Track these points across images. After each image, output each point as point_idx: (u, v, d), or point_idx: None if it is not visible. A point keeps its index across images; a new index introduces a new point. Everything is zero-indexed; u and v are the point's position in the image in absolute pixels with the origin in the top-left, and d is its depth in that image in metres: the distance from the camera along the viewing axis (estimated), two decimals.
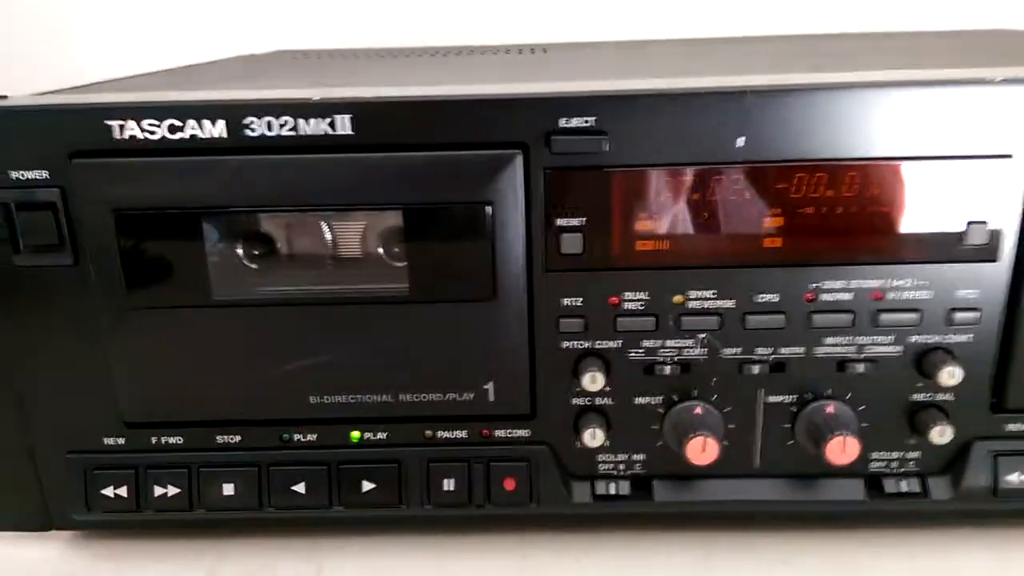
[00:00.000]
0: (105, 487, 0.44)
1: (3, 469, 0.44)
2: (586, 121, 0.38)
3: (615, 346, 0.42)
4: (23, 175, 0.39)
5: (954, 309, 0.41)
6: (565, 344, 0.42)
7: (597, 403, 0.43)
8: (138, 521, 0.45)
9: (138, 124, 0.38)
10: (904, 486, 0.44)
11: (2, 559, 0.46)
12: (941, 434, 0.42)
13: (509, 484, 0.44)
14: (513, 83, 0.41)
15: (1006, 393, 0.42)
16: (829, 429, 0.41)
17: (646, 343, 0.42)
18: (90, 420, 0.43)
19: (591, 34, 0.87)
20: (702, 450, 0.41)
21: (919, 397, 0.43)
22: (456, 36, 0.87)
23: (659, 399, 0.43)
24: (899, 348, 0.42)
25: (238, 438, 0.44)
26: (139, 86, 0.48)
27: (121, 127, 0.38)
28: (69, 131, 0.38)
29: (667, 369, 0.42)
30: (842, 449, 0.41)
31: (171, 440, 0.44)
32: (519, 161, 0.38)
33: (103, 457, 0.44)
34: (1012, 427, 0.43)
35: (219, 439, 0.44)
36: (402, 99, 0.38)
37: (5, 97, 0.42)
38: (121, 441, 0.44)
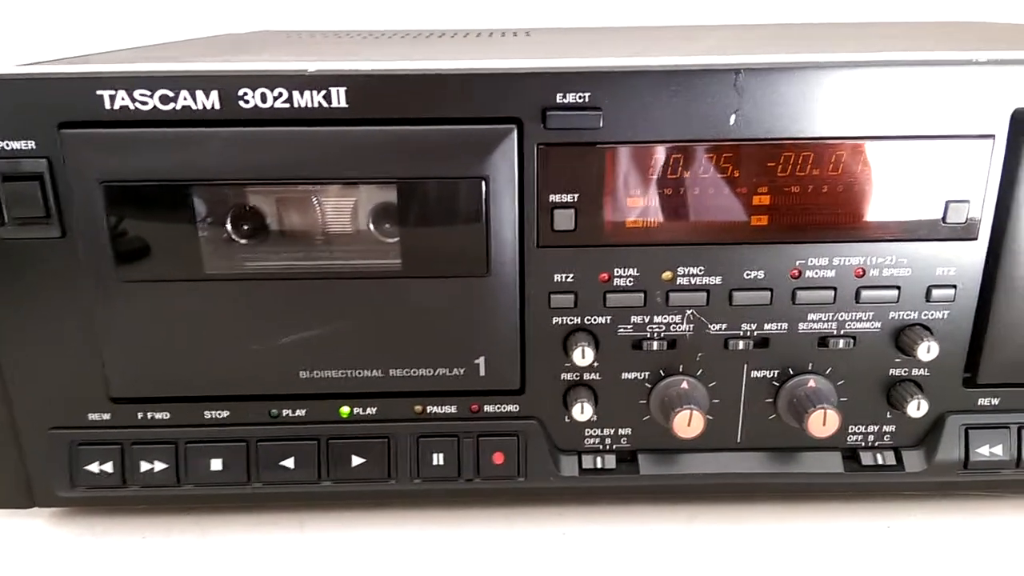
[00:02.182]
0: (90, 463, 0.44)
1: None
2: (581, 97, 0.38)
3: (604, 322, 0.42)
4: (8, 145, 0.38)
5: (932, 286, 0.42)
6: (555, 320, 0.42)
7: (585, 378, 0.44)
8: (123, 497, 0.45)
9: (129, 94, 0.37)
10: (880, 459, 0.46)
11: None
12: (917, 408, 0.43)
13: (498, 458, 0.44)
14: (507, 59, 0.41)
15: (979, 368, 0.44)
16: (811, 402, 0.42)
17: (635, 319, 0.42)
18: (74, 395, 0.43)
19: (572, 21, 0.87)
20: (688, 424, 0.42)
21: (896, 372, 0.44)
22: (434, 21, 0.87)
23: (646, 374, 0.44)
24: (878, 324, 0.43)
25: (226, 413, 0.44)
26: (125, 59, 0.47)
27: (112, 97, 0.37)
28: (58, 101, 0.37)
29: (655, 345, 0.43)
30: (823, 421, 0.42)
31: (158, 416, 0.43)
32: (514, 136, 0.39)
33: (88, 433, 0.43)
34: (983, 401, 0.45)
35: (207, 415, 0.43)
36: (398, 72, 0.38)
37: None
38: (106, 416, 0.43)
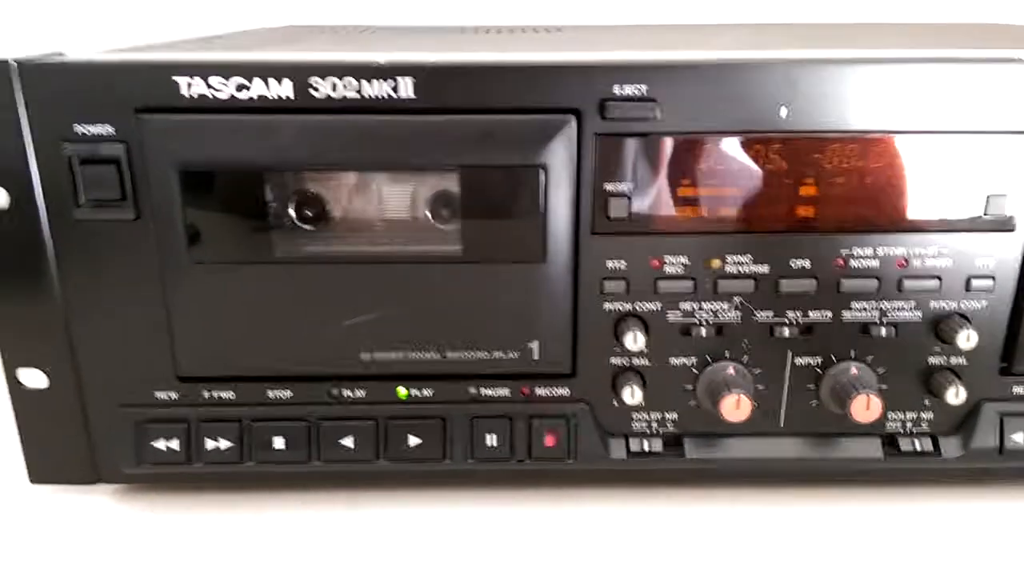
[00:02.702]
0: (157, 440, 0.45)
1: (52, 422, 0.45)
2: (638, 89, 0.40)
3: (655, 308, 0.44)
4: (87, 129, 0.40)
5: (972, 277, 0.43)
6: (607, 305, 0.44)
7: (635, 363, 0.45)
8: (187, 474, 0.46)
9: (205, 82, 0.39)
10: (918, 445, 0.47)
11: (46, 511, 0.47)
12: (956, 395, 0.44)
13: (549, 440, 0.46)
14: (566, 52, 0.43)
15: (1015, 357, 0.45)
16: (854, 388, 0.43)
17: (684, 305, 0.44)
18: (143, 374, 0.44)
19: (599, 18, 0.89)
20: (736, 407, 0.43)
21: (935, 360, 0.45)
22: (461, 16, 0.89)
23: (693, 360, 0.45)
24: (919, 313, 0.44)
25: (289, 393, 0.45)
26: (187, 48, 0.49)
27: (189, 84, 0.39)
28: (136, 87, 0.39)
29: (703, 331, 0.44)
30: (866, 406, 0.43)
31: (223, 395, 0.45)
32: (573, 126, 0.40)
33: (155, 411, 0.45)
34: (1019, 389, 0.46)
35: (270, 394, 0.45)
36: (463, 64, 0.39)
37: (62, 54, 0.43)
38: (173, 395, 0.45)
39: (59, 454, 0.46)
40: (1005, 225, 0.42)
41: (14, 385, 0.45)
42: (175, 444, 0.45)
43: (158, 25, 0.91)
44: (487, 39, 0.61)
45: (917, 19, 0.87)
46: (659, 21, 0.89)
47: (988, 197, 0.42)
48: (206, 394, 0.45)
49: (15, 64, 0.39)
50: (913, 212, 0.42)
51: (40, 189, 0.41)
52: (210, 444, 0.45)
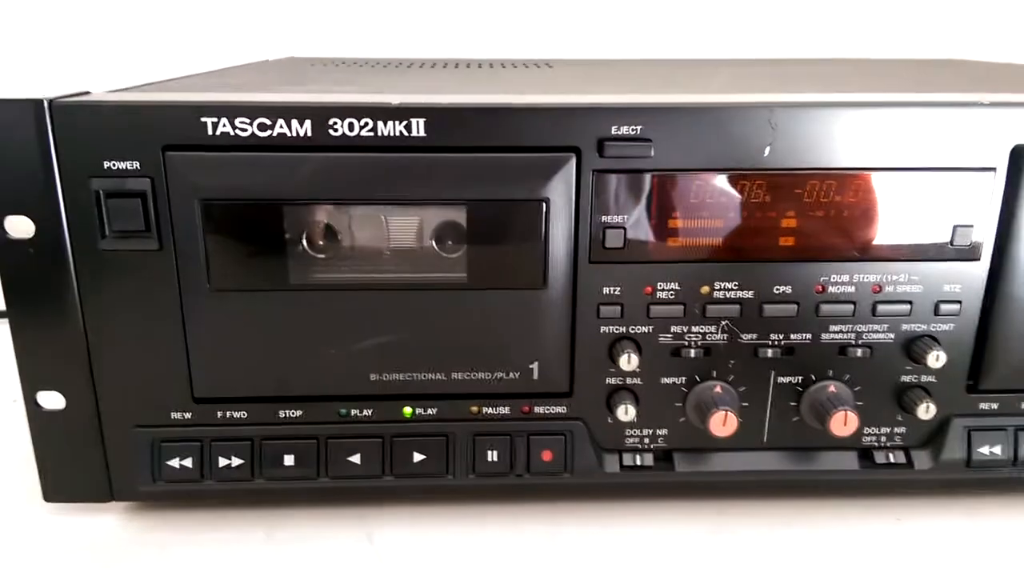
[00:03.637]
0: (171, 459, 0.47)
1: (68, 442, 0.47)
2: (633, 129, 0.43)
3: (647, 331, 0.47)
4: (115, 165, 0.42)
5: (940, 301, 0.47)
6: (603, 328, 0.47)
7: (628, 382, 0.48)
8: (199, 491, 0.48)
9: (231, 122, 0.41)
10: (892, 457, 0.50)
11: (59, 530, 0.49)
12: (926, 411, 0.48)
13: (547, 456, 0.48)
14: (558, 94, 0.46)
15: (981, 376, 0.48)
16: (832, 405, 0.47)
17: (674, 328, 0.47)
18: (160, 395, 0.46)
19: (582, 53, 0.93)
20: (723, 423, 0.46)
21: (907, 379, 0.49)
22: (448, 50, 0.93)
23: (683, 379, 0.48)
24: (892, 335, 0.47)
25: (299, 413, 0.47)
26: (200, 87, 0.52)
27: (215, 124, 0.41)
28: (164, 126, 0.41)
29: (692, 352, 0.47)
30: (844, 422, 0.46)
31: (236, 414, 0.47)
32: (572, 163, 0.43)
33: (171, 431, 0.47)
34: (984, 405, 0.49)
35: (281, 414, 0.47)
36: (471, 105, 0.42)
37: (88, 92, 0.45)
38: (188, 415, 0.47)
39: (74, 473, 0.48)
40: (970, 254, 0.46)
41: (32, 406, 0.46)
42: (189, 462, 0.47)
43: (149, 55, 0.93)
44: (483, 75, 0.64)
45: (892, 53, 0.92)
46: (640, 54, 0.93)
47: (954, 228, 0.45)
48: (220, 414, 0.47)
49: (47, 103, 0.41)
50: (886, 242, 0.45)
51: (66, 220, 0.43)
52: (222, 462, 0.47)
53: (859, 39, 0.95)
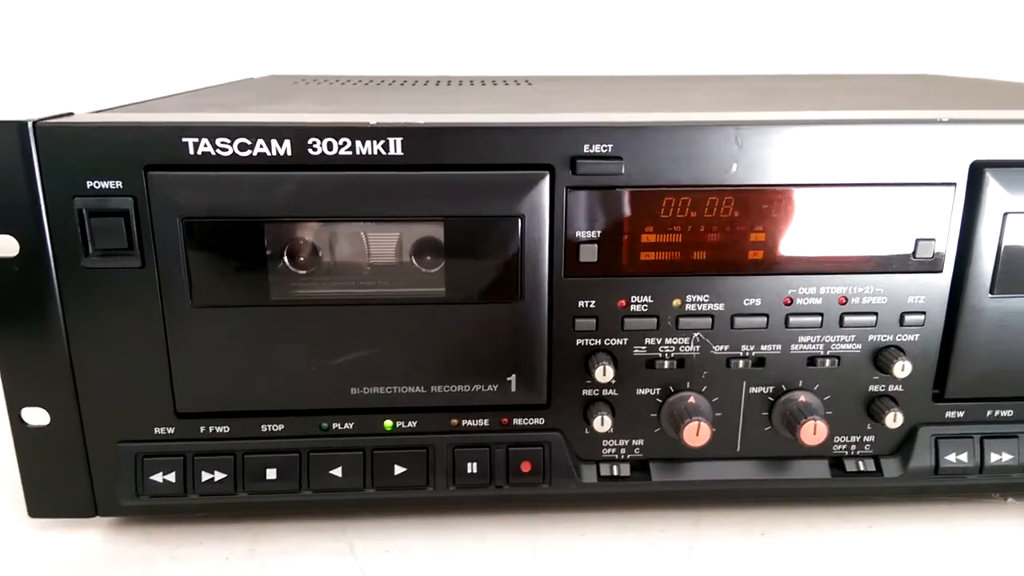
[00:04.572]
0: (154, 473, 0.48)
1: (52, 458, 0.48)
2: (605, 147, 0.44)
3: (622, 343, 0.48)
4: (98, 184, 0.43)
5: (905, 313, 0.48)
6: (579, 341, 0.48)
7: (604, 394, 0.49)
8: (182, 505, 0.49)
9: (212, 142, 0.42)
10: (862, 466, 0.51)
11: (43, 545, 0.49)
12: (894, 420, 0.49)
13: (525, 467, 0.49)
14: (533, 112, 0.47)
15: (946, 385, 0.50)
16: (802, 415, 0.48)
17: (648, 340, 0.48)
18: (143, 411, 0.47)
19: (548, 70, 0.95)
20: (696, 433, 0.47)
21: (874, 388, 0.50)
22: (430, 66, 0.95)
23: (657, 390, 0.49)
24: (859, 346, 0.49)
25: (281, 427, 0.48)
26: (181, 106, 0.53)
27: (196, 144, 0.42)
28: (146, 146, 0.42)
29: (666, 364, 0.48)
30: (813, 431, 0.48)
31: (219, 429, 0.48)
32: (546, 181, 0.44)
33: (154, 445, 0.48)
34: (951, 414, 0.51)
35: (263, 427, 0.48)
36: (447, 125, 0.43)
37: (71, 113, 0.46)
38: (171, 430, 0.48)
39: (58, 488, 0.48)
40: (933, 266, 0.47)
41: (16, 423, 0.47)
42: (172, 477, 0.48)
43: (133, 73, 0.94)
44: (462, 92, 0.66)
45: (868, 66, 0.94)
46: (618, 71, 0.95)
47: (917, 241, 0.47)
48: (202, 429, 0.48)
49: (31, 124, 0.42)
50: (851, 255, 0.47)
51: (50, 238, 0.43)
52: (205, 476, 0.48)
53: (836, 52, 0.97)
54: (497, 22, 0.96)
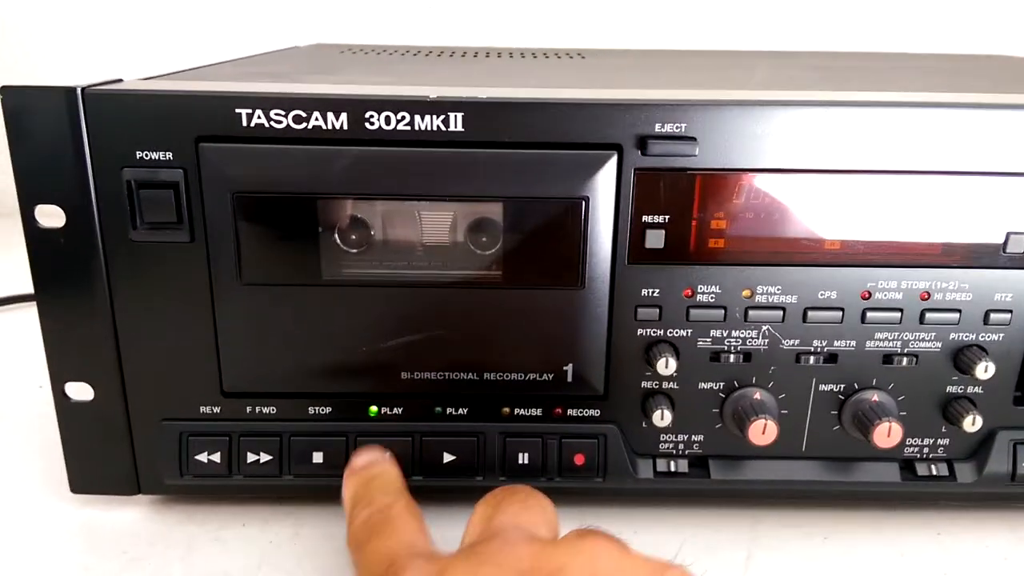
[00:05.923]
0: (199, 453, 0.47)
1: (95, 434, 0.47)
2: (678, 127, 0.41)
3: (686, 334, 0.45)
4: (147, 155, 0.41)
5: (991, 311, 0.45)
6: (640, 331, 0.45)
7: (664, 387, 0.47)
8: (226, 486, 0.47)
9: (265, 113, 0.40)
10: (934, 470, 0.49)
11: (84, 522, 0.49)
12: (972, 423, 0.46)
13: (579, 459, 0.47)
14: (599, 88, 0.45)
15: None
16: (876, 416, 0.45)
17: (714, 333, 0.45)
18: (188, 389, 0.46)
19: (611, 42, 0.92)
20: (763, 432, 0.45)
21: (953, 389, 0.47)
22: (473, 38, 0.92)
23: (721, 384, 0.47)
24: (939, 344, 0.46)
25: (329, 409, 0.47)
26: (230, 75, 0.51)
27: (249, 115, 0.40)
28: (198, 117, 0.41)
29: (731, 357, 0.46)
30: (888, 433, 0.45)
31: (265, 410, 0.46)
32: (614, 161, 0.42)
33: (199, 424, 0.46)
34: None
35: (311, 410, 0.47)
36: (511, 100, 0.41)
37: (120, 80, 0.44)
38: (217, 410, 0.46)
39: (101, 465, 0.47)
40: (1023, 262, 0.44)
41: (60, 397, 0.46)
42: (216, 457, 0.47)
43: (174, 42, 0.93)
44: (515, 65, 0.63)
45: (926, 45, 0.90)
46: (658, 44, 0.91)
47: (1008, 234, 0.44)
48: (249, 409, 0.46)
49: (80, 91, 0.40)
50: (936, 247, 0.44)
51: (97, 210, 0.42)
52: (251, 457, 0.47)
53: (888, 31, 0.93)
54: None
